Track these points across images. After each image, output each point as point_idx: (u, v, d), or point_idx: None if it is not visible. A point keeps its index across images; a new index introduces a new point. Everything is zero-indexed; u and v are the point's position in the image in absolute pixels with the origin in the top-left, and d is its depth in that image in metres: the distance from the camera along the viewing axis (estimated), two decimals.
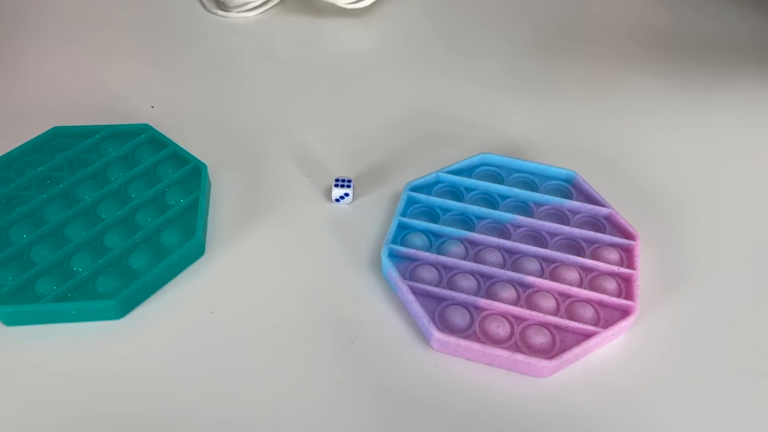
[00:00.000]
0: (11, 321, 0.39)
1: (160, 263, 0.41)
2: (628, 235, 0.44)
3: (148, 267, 0.41)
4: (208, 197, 0.46)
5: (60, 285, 0.40)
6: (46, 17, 0.62)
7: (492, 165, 0.48)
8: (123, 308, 0.40)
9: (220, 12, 0.63)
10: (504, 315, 0.40)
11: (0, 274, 0.40)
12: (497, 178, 0.48)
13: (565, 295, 0.41)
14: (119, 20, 0.62)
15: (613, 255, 0.43)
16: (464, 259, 0.42)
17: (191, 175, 0.47)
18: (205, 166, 0.46)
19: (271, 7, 0.63)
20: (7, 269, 0.40)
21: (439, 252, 0.43)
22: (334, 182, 0.45)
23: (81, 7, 0.63)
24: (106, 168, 0.47)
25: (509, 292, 0.41)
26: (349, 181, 0.45)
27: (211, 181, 0.48)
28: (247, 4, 0.62)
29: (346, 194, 0.45)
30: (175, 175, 0.46)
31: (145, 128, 0.49)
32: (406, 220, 0.44)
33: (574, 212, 0.46)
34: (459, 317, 0.39)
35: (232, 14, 0.63)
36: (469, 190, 0.47)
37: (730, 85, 0.57)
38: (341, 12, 0.63)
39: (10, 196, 0.45)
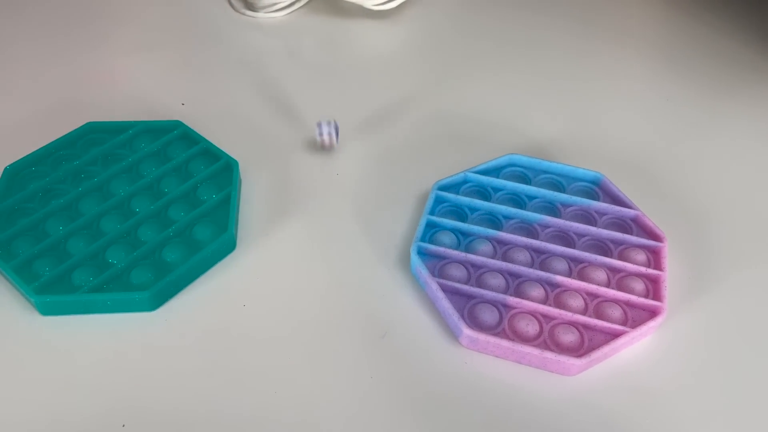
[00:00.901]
0: (48, 311, 0.40)
1: (193, 257, 0.41)
2: (655, 236, 0.44)
3: (181, 260, 0.42)
4: (239, 193, 0.47)
5: (96, 276, 0.41)
6: (81, 16, 0.63)
7: (519, 166, 0.49)
8: (157, 300, 0.41)
9: (248, 12, 0.64)
10: (533, 313, 0.40)
11: (38, 265, 0.41)
12: (524, 179, 0.48)
13: (593, 295, 0.41)
14: (150, 19, 0.63)
15: (641, 256, 0.43)
16: (493, 257, 0.43)
17: (223, 172, 0.47)
18: (236, 162, 0.47)
19: (298, 8, 0.64)
20: (45, 260, 0.41)
21: (467, 250, 0.43)
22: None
23: (114, 6, 0.64)
24: (139, 163, 0.48)
25: (538, 291, 0.41)
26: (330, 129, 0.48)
27: (241, 177, 0.48)
28: (275, 4, 0.63)
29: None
30: (207, 171, 0.47)
31: (177, 125, 0.50)
32: (434, 218, 0.44)
33: (601, 213, 0.46)
34: (488, 315, 0.40)
35: (260, 14, 0.63)
36: (496, 190, 0.47)
37: (756, 87, 0.57)
38: (367, 13, 0.64)
39: (46, 189, 0.46)
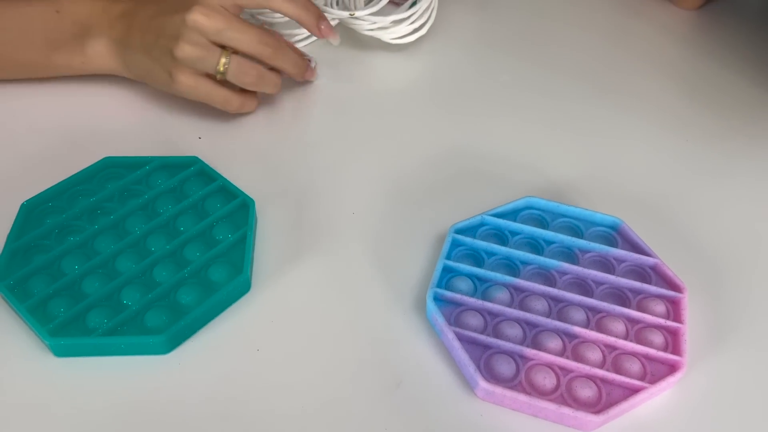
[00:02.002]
0: (62, 353, 0.40)
1: (208, 300, 0.41)
2: (674, 287, 0.43)
3: (196, 303, 0.42)
4: (255, 232, 0.47)
5: (110, 319, 0.40)
6: None
7: (537, 209, 0.48)
8: (171, 344, 0.40)
9: None
10: (550, 366, 0.39)
11: (53, 306, 0.41)
12: (542, 223, 0.48)
13: (612, 347, 0.41)
14: None
15: (660, 307, 0.42)
16: (510, 305, 0.42)
17: (239, 210, 0.47)
18: (252, 201, 0.47)
19: (316, 40, 0.64)
20: (60, 300, 0.41)
21: (484, 297, 0.43)
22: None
23: None
24: (156, 200, 0.48)
25: (555, 342, 0.40)
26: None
27: (256, 215, 0.48)
28: (293, 36, 0.63)
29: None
30: (223, 210, 0.47)
31: (194, 161, 0.50)
32: (451, 263, 0.44)
33: (620, 261, 0.45)
34: (505, 366, 0.39)
35: None
36: (513, 233, 0.47)
37: None
38: (386, 47, 0.64)
39: (63, 225, 0.45)
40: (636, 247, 0.46)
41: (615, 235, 0.47)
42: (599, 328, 0.42)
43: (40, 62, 0.54)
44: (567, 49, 0.65)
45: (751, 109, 0.59)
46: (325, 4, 0.63)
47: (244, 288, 0.44)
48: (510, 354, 0.40)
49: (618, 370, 0.40)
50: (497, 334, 0.41)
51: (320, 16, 0.54)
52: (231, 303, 0.43)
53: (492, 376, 0.39)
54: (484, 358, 0.40)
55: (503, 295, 0.43)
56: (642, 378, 0.39)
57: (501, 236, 0.47)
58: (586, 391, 0.38)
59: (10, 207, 0.47)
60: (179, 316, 0.41)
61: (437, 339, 0.42)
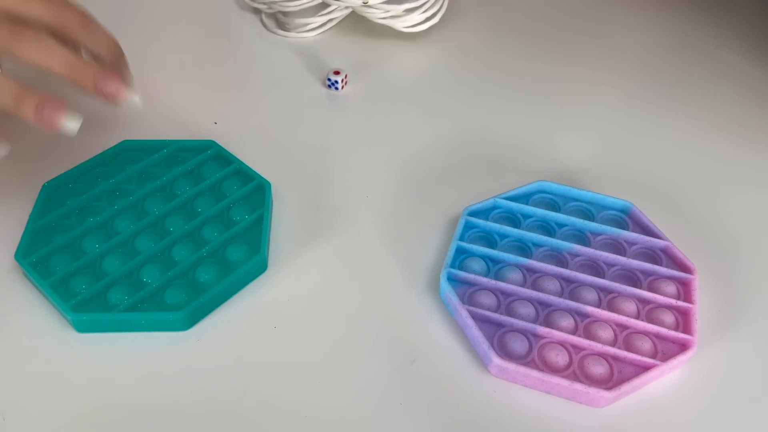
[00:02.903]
0: (84, 328, 0.41)
1: (226, 278, 0.42)
2: (685, 268, 0.44)
3: (214, 281, 0.43)
4: (271, 214, 0.47)
5: (131, 295, 0.41)
6: (116, 35, 0.64)
7: (548, 193, 0.49)
8: (190, 320, 0.41)
9: (280, 32, 0.64)
10: (562, 344, 0.40)
11: (75, 283, 0.42)
12: (554, 206, 0.48)
13: (623, 327, 0.41)
14: (184, 38, 0.64)
15: (671, 288, 0.43)
16: (522, 286, 0.43)
17: (255, 192, 0.48)
18: (269, 184, 0.48)
19: (329, 28, 0.65)
20: (81, 278, 0.42)
21: (497, 278, 0.44)
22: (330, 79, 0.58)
23: (148, 26, 0.66)
24: (173, 182, 0.48)
25: (568, 321, 0.41)
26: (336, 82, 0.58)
27: (272, 198, 0.49)
28: (306, 25, 0.64)
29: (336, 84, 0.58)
30: (240, 192, 0.47)
31: (211, 144, 0.51)
32: (464, 244, 0.45)
33: (631, 243, 0.46)
34: (518, 344, 0.40)
35: (292, 34, 0.64)
36: (526, 216, 0.47)
37: None
38: (398, 35, 0.64)
39: (83, 206, 0.46)
40: (647, 230, 0.46)
41: (626, 218, 0.47)
42: (611, 308, 0.42)
43: None
44: (578, 37, 0.65)
45: (762, 96, 0.59)
46: None
47: (261, 267, 0.44)
48: (523, 332, 0.41)
49: (629, 348, 0.40)
50: (510, 313, 0.42)
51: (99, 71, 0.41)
52: (248, 282, 0.44)
53: (505, 353, 0.40)
54: (497, 336, 0.41)
55: (516, 275, 0.44)
56: (653, 356, 0.40)
57: (513, 219, 0.47)
58: (598, 368, 0.39)
59: (31, 188, 0.48)
60: (198, 294, 0.42)
61: (451, 318, 0.43)
